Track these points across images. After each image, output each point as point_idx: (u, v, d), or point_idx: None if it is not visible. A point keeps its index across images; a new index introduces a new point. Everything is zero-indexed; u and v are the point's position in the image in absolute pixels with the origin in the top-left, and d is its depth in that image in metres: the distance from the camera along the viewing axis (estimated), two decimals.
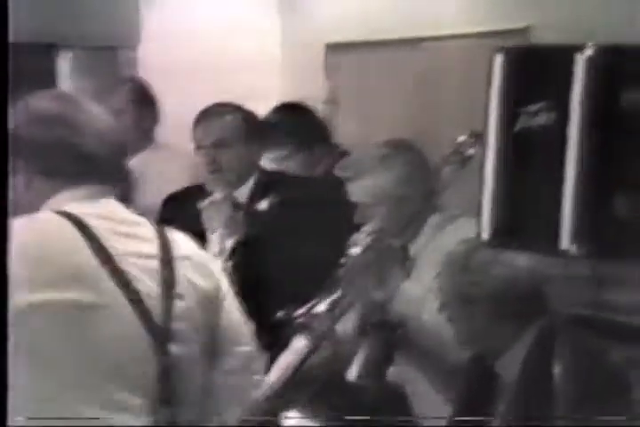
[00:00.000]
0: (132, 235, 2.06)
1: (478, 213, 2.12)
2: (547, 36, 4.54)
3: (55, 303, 1.91)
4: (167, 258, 2.06)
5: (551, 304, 2.79)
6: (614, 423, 2.42)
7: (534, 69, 2.03)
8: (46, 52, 5.04)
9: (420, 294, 2.79)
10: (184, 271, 2.08)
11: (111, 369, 1.95)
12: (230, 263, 3.29)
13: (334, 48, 5.37)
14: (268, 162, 3.69)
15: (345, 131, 5.28)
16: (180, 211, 3.39)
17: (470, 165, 2.84)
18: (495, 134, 2.08)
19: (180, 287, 2.07)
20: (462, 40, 4.75)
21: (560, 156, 1.98)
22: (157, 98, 4.14)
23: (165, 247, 2.07)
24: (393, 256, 2.80)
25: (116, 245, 2.01)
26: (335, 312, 2.71)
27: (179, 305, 2.06)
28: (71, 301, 1.92)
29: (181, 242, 2.14)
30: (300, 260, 2.87)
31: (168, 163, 3.79)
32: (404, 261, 2.89)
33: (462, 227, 2.86)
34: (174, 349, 2.02)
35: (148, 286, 2.02)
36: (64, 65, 5.04)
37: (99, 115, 2.14)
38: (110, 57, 5.07)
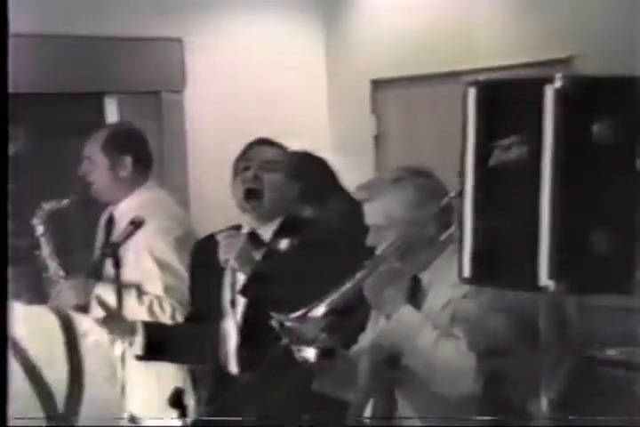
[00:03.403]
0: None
1: (459, 251, 2.08)
2: (590, 65, 4.48)
3: None
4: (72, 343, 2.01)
5: (576, 344, 2.73)
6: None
7: (507, 102, 2.00)
8: (93, 99, 5.14)
9: (418, 320, 2.74)
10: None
11: None
12: (242, 297, 3.31)
13: (380, 84, 5.38)
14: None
15: (391, 164, 5.27)
16: (209, 255, 3.41)
17: None
18: (472, 169, 2.04)
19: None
20: (503, 72, 4.71)
21: (535, 190, 1.94)
22: (144, 145, 4.01)
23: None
24: (397, 280, 2.77)
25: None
26: (332, 317, 2.68)
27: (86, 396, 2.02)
28: None
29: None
30: (307, 302, 2.84)
31: (148, 211, 3.72)
32: (416, 292, 2.85)
33: None
34: None
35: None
36: (111, 110, 5.13)
37: None
38: (155, 101, 5.14)
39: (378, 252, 2.84)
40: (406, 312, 2.75)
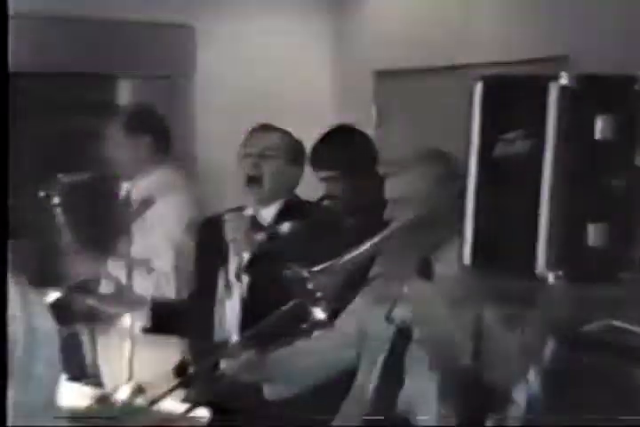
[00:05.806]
0: None
1: (460, 239, 2.16)
2: (587, 63, 4.54)
3: None
4: None
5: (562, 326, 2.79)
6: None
7: (513, 97, 2.07)
8: (106, 82, 5.21)
9: (431, 292, 2.79)
10: None
11: None
12: (245, 275, 3.42)
13: (382, 75, 5.44)
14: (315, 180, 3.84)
15: (392, 156, 5.33)
16: (215, 234, 3.51)
17: None
18: (476, 161, 2.12)
19: None
20: (503, 67, 4.76)
21: (536, 183, 2.02)
22: (164, 127, 4.09)
23: None
24: (410, 254, 2.83)
25: None
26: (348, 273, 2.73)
27: None
28: None
29: None
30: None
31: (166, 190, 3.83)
32: (428, 274, 2.89)
33: None
34: None
35: None
36: (123, 94, 5.20)
37: None
38: (166, 85, 5.20)
39: (394, 223, 2.89)
40: (419, 284, 2.80)
